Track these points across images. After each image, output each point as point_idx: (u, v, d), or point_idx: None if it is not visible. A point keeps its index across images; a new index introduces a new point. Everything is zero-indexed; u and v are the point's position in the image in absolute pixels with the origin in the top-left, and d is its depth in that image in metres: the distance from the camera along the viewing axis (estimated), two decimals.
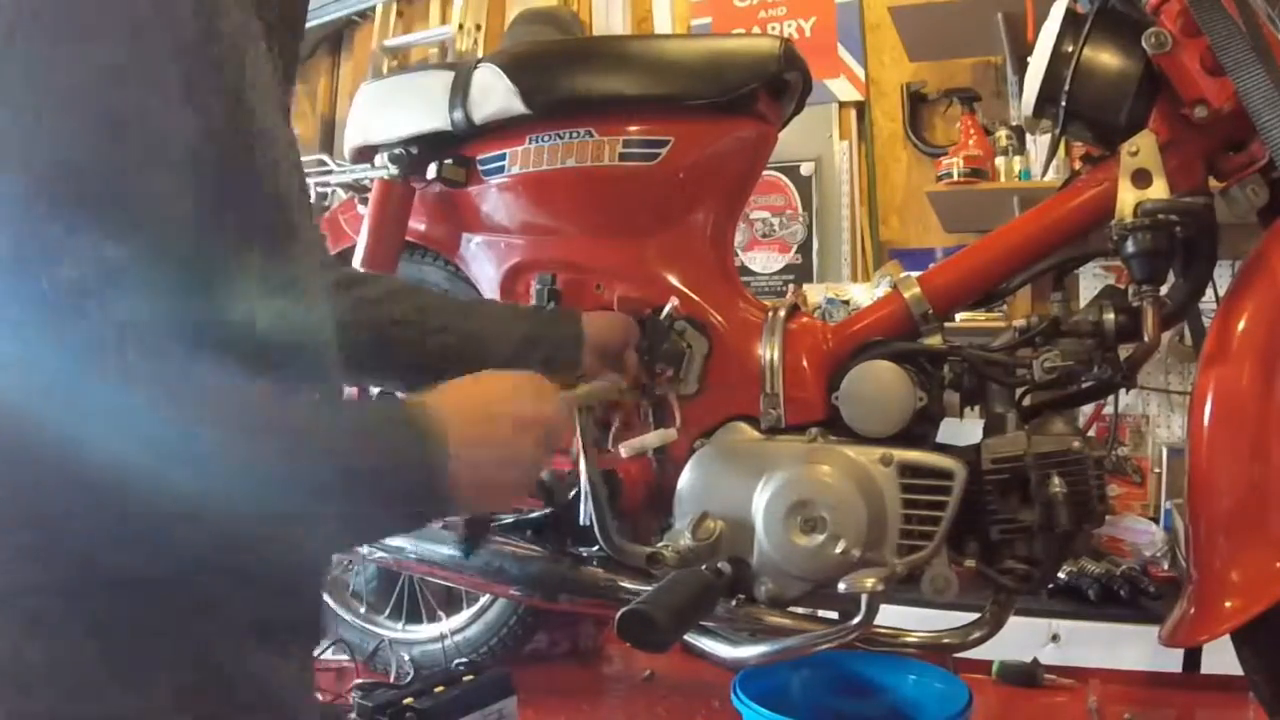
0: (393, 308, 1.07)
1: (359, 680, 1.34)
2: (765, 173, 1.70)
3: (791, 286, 2.67)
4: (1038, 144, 2.33)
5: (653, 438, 1.14)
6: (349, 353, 0.87)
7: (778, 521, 1.07)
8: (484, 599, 1.53)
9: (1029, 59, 1.12)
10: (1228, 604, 0.95)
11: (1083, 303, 1.13)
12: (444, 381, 0.75)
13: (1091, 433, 2.18)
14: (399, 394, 1.12)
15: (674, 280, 1.24)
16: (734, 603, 1.10)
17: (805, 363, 1.17)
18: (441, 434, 0.67)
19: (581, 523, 1.18)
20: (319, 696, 0.82)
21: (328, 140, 3.30)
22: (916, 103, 2.74)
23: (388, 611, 1.64)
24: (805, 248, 2.78)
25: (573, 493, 1.22)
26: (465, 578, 1.32)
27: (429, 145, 1.35)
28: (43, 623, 0.60)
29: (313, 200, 0.83)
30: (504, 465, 0.72)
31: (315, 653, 0.79)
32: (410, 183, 1.37)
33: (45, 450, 0.55)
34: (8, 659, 0.59)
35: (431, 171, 1.34)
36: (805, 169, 2.76)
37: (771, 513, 1.08)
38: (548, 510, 1.28)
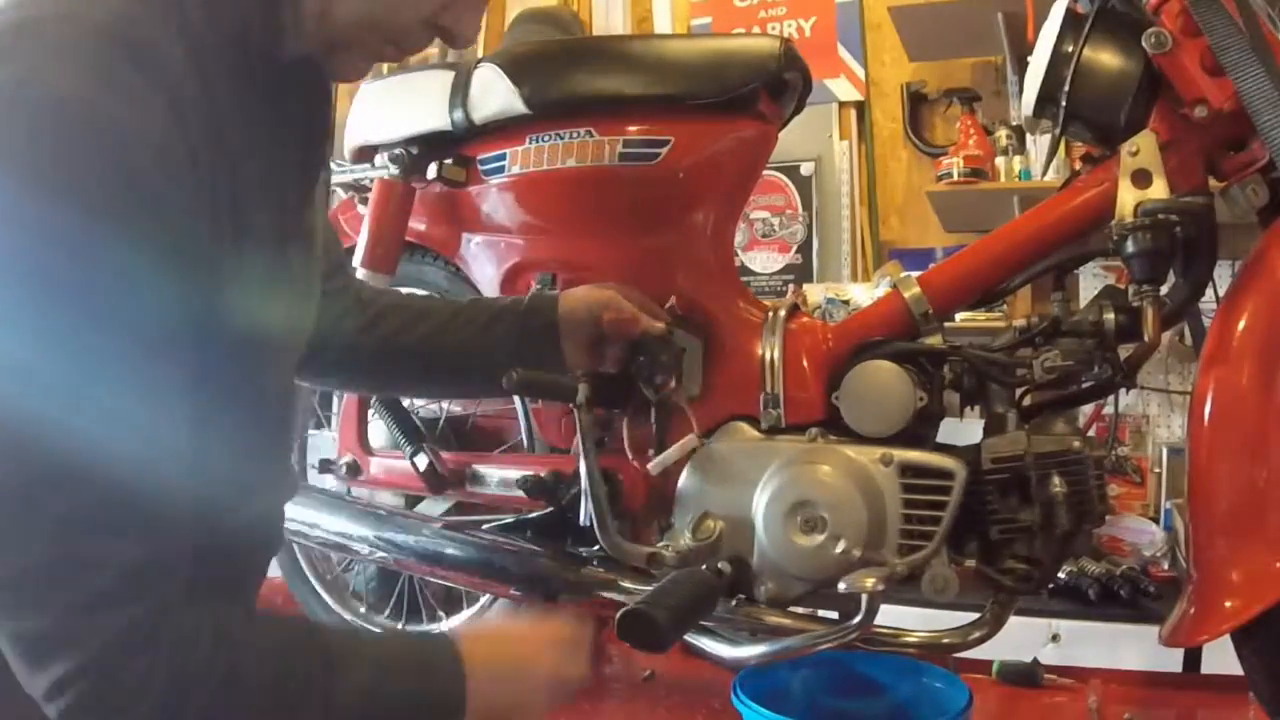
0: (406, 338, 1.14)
1: None
2: (765, 173, 1.70)
3: (791, 286, 2.67)
4: (1038, 144, 2.33)
5: (675, 451, 1.14)
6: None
7: (778, 521, 1.07)
8: (484, 599, 1.53)
9: (1029, 59, 1.12)
10: (1228, 604, 0.95)
11: (1083, 303, 1.13)
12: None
13: (1091, 433, 2.19)
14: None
15: (674, 280, 1.24)
16: (734, 603, 1.10)
17: (805, 362, 1.16)
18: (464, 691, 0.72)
19: (582, 523, 1.18)
20: None
21: None
22: (916, 103, 2.74)
23: (388, 611, 1.64)
24: (805, 248, 2.78)
25: (573, 492, 1.22)
26: (465, 578, 1.31)
27: (429, 145, 1.35)
28: None
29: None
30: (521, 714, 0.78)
31: None
32: (410, 183, 1.37)
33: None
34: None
35: (431, 171, 1.34)
36: (805, 169, 2.77)
37: (771, 513, 1.08)
38: (548, 510, 1.28)
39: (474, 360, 1.14)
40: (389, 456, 1.48)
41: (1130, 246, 1.02)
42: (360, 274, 1.35)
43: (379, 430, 1.54)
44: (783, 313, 1.20)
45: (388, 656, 0.71)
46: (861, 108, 2.80)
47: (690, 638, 1.09)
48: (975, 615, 1.10)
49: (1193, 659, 1.55)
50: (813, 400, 1.15)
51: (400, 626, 1.62)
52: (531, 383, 1.12)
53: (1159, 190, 1.02)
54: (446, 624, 1.55)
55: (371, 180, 1.38)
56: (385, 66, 3.05)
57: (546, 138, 1.27)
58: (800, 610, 1.12)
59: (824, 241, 2.77)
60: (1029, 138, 2.37)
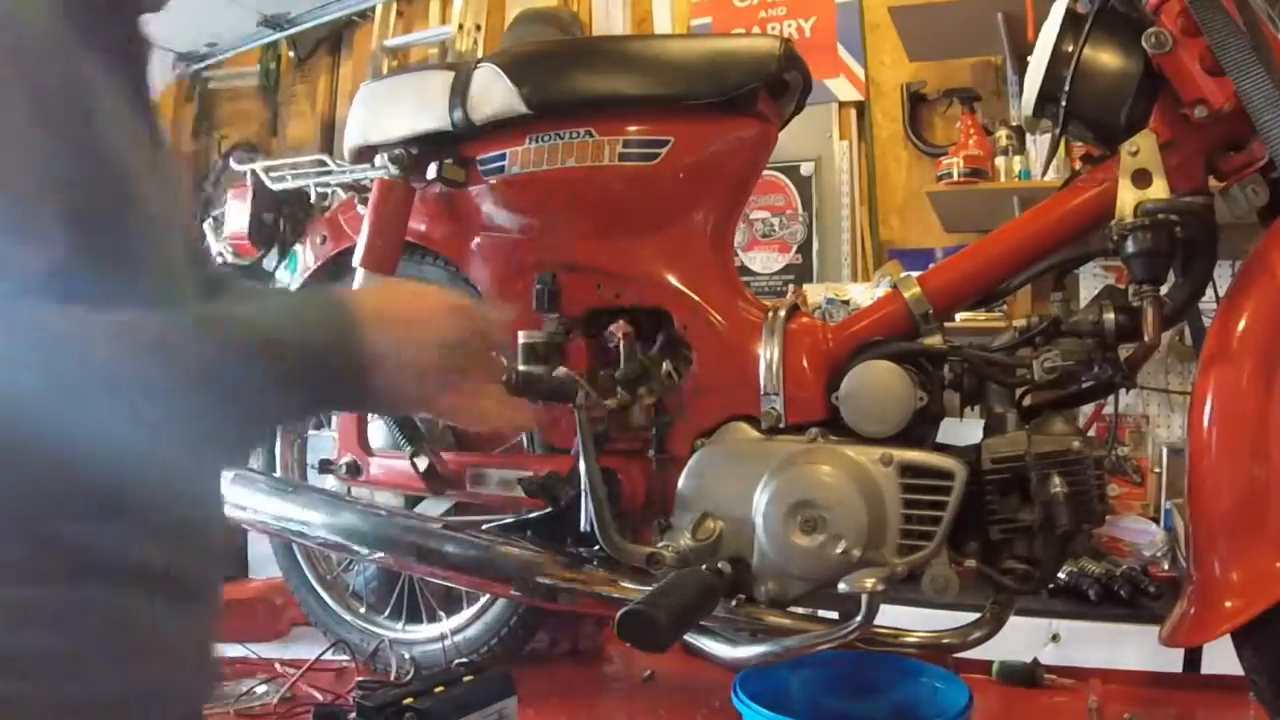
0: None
1: (359, 680, 1.34)
2: (765, 173, 1.70)
3: (791, 286, 2.67)
4: (1038, 144, 2.33)
5: None
6: None
7: (778, 521, 1.07)
8: (484, 599, 1.53)
9: (1029, 59, 1.12)
10: (1228, 604, 0.95)
11: (1083, 303, 1.13)
12: None
13: (1091, 433, 2.19)
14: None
15: (674, 280, 1.24)
16: (734, 603, 1.10)
17: (805, 363, 1.17)
18: (358, 313, 0.69)
19: (581, 524, 1.18)
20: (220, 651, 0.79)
21: (328, 140, 3.30)
22: (916, 103, 2.74)
23: (388, 611, 1.64)
24: (805, 248, 2.78)
25: (573, 493, 1.22)
26: (465, 578, 1.31)
27: (429, 145, 1.35)
28: None
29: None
30: (422, 343, 0.72)
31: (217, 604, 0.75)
32: (410, 183, 1.37)
33: None
34: None
35: (431, 171, 1.34)
36: (805, 169, 2.76)
37: (771, 513, 1.08)
38: (548, 510, 1.28)
39: None
40: (389, 457, 1.48)
41: (1130, 246, 1.02)
42: (359, 274, 1.35)
43: (379, 430, 1.54)
44: (783, 313, 1.20)
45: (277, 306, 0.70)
46: (861, 108, 2.80)
47: (690, 638, 1.09)
48: (975, 615, 1.10)
49: (1193, 659, 1.55)
50: (813, 400, 1.15)
51: (401, 627, 1.62)
52: (531, 383, 1.12)
53: (1159, 190, 1.02)
54: (446, 624, 1.56)
55: (371, 180, 1.38)
56: (385, 66, 3.06)
57: (546, 138, 1.27)
58: (800, 610, 1.12)
59: (824, 241, 2.76)
60: (1029, 138, 2.37)
